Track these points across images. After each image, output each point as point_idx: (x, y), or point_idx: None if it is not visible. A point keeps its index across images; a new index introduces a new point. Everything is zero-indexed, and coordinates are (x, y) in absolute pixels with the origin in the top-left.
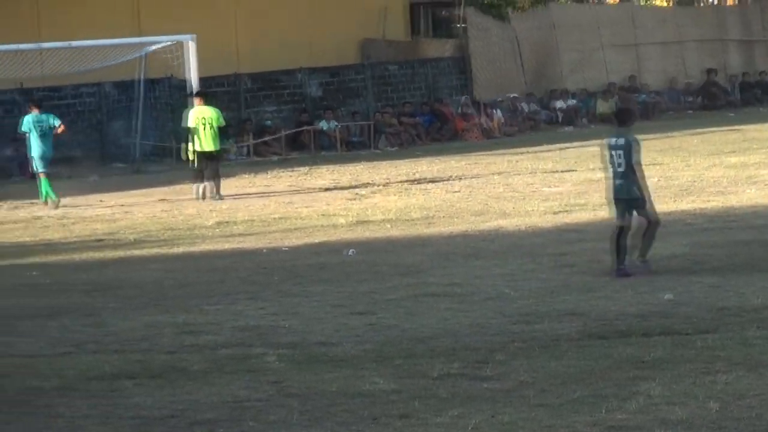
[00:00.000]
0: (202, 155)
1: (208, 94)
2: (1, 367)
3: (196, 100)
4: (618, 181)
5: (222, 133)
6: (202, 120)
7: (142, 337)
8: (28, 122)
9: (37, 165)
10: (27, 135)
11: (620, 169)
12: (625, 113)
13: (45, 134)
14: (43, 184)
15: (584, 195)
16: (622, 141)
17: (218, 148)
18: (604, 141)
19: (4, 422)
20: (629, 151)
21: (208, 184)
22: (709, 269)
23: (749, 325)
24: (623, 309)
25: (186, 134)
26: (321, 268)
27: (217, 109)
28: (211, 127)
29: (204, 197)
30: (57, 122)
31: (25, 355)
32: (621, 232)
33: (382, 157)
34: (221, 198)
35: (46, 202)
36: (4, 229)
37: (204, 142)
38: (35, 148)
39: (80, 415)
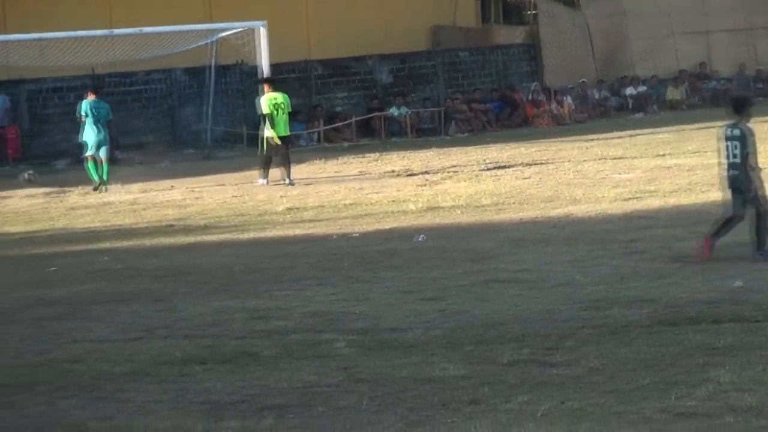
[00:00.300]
0: (273, 140)
1: (276, 80)
2: (74, 352)
3: (265, 87)
4: (732, 172)
5: (290, 118)
6: (275, 105)
7: (212, 322)
8: (85, 106)
9: (86, 148)
10: (83, 119)
11: (735, 160)
12: (741, 101)
13: (99, 120)
14: (90, 168)
15: (654, 181)
16: (738, 132)
17: (290, 133)
18: (720, 130)
19: (76, 407)
20: (744, 142)
21: (279, 170)
22: None
23: None
24: (693, 296)
25: (266, 121)
26: (391, 254)
27: (286, 95)
28: (284, 112)
29: (274, 181)
30: (110, 116)
31: (97, 340)
32: (759, 215)
33: (453, 143)
34: (292, 183)
35: (100, 185)
36: (76, 215)
37: (277, 127)
38: (88, 132)
39: (150, 400)
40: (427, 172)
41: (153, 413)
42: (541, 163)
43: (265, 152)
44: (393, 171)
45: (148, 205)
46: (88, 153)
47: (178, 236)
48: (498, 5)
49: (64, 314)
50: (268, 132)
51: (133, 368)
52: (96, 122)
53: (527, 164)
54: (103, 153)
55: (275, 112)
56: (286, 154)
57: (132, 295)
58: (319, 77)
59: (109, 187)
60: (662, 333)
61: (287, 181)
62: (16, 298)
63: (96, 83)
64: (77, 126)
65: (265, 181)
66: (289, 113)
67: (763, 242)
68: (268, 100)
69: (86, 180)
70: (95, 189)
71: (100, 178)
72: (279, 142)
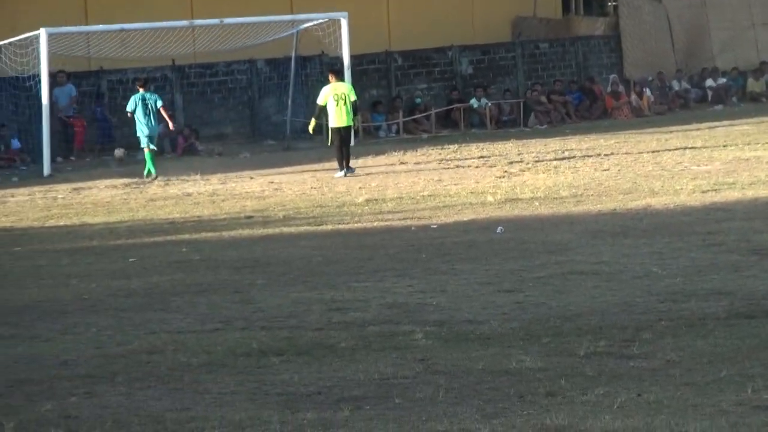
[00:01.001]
0: (337, 130)
1: (340, 71)
2: (152, 343)
3: (331, 77)
4: None
5: (352, 108)
6: (336, 96)
7: (289, 313)
8: (133, 101)
9: (142, 141)
10: (134, 113)
11: None
12: None
13: (149, 113)
14: (147, 159)
15: (733, 174)
16: None
17: (352, 123)
18: None
19: (153, 398)
20: None
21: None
22: None
23: None
24: None
25: (317, 111)
26: (469, 245)
27: (350, 85)
28: (346, 102)
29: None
30: (160, 102)
31: (175, 332)
32: None
33: (532, 135)
34: (352, 171)
35: (148, 177)
36: (155, 206)
37: (339, 117)
38: (140, 125)
39: (228, 392)
40: (506, 164)
41: (230, 404)
42: (620, 155)
43: (333, 143)
44: (472, 162)
45: (228, 197)
46: (143, 145)
47: (257, 228)
48: None
49: (143, 305)
50: (321, 121)
51: (211, 359)
52: (146, 114)
53: (606, 156)
54: (152, 143)
55: (335, 102)
56: (348, 142)
57: (210, 287)
58: (399, 68)
59: (152, 176)
60: (739, 326)
61: (345, 170)
62: (97, 288)
63: (143, 76)
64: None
65: (342, 173)
66: (353, 102)
67: None
68: (331, 90)
69: (165, 171)
70: (154, 179)
71: (155, 170)
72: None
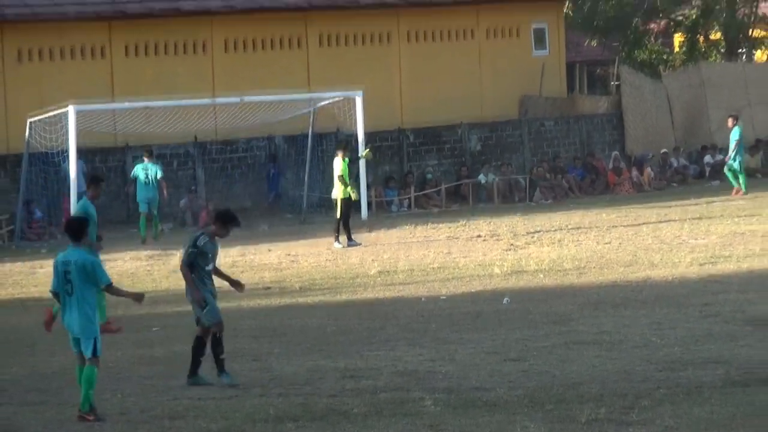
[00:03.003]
0: (347, 201)
1: (348, 144)
2: (174, 409)
3: (342, 152)
4: None
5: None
6: (346, 170)
7: (305, 381)
8: (136, 169)
9: (141, 206)
10: (134, 180)
11: None
12: None
13: (149, 181)
14: (141, 222)
15: (729, 247)
16: None
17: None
18: None
19: None
20: None
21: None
22: None
23: None
24: (765, 357)
25: (346, 180)
26: (477, 316)
27: (341, 159)
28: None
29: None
30: (160, 174)
31: (196, 398)
32: None
33: (537, 209)
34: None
35: (143, 241)
36: (178, 277)
37: (351, 188)
38: (139, 191)
39: None
40: (512, 237)
41: None
42: (622, 228)
43: (340, 215)
44: (480, 235)
45: (246, 268)
46: (140, 210)
47: (275, 298)
48: (583, 76)
49: (166, 373)
50: (343, 192)
51: (229, 425)
52: (146, 182)
53: (608, 229)
54: (153, 208)
55: (347, 174)
56: (340, 214)
57: (230, 354)
58: (411, 145)
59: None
60: (735, 394)
61: (349, 242)
62: (122, 356)
63: (150, 148)
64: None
65: (340, 244)
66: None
67: None
68: (344, 162)
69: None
70: (143, 242)
71: (155, 229)
72: (354, 198)
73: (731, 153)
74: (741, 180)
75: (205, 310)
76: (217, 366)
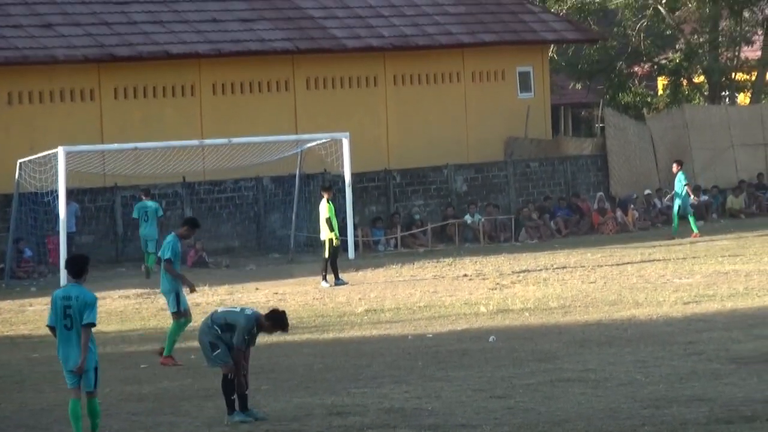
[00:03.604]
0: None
1: (332, 187)
2: None
3: (326, 193)
4: None
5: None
6: (333, 212)
7: (292, 417)
8: (136, 209)
9: (142, 243)
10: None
11: None
12: None
13: (148, 219)
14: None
15: (713, 286)
16: None
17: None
18: None
19: None
20: None
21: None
22: None
23: None
24: (749, 395)
25: (329, 224)
26: (463, 354)
27: (328, 203)
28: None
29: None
30: (160, 212)
31: None
32: None
33: (523, 249)
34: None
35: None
36: (166, 315)
37: (337, 230)
38: (141, 229)
39: None
40: (498, 276)
41: None
42: (606, 268)
43: (329, 255)
44: (466, 275)
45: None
46: (143, 247)
47: (262, 336)
48: (568, 118)
49: (154, 409)
50: (331, 234)
51: None
52: (145, 221)
53: (593, 269)
54: (152, 246)
55: (334, 217)
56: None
57: (217, 392)
58: (397, 186)
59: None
60: (718, 431)
61: (336, 281)
62: (110, 393)
63: (147, 187)
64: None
65: (327, 283)
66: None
67: None
68: (329, 205)
69: None
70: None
71: (148, 266)
72: (335, 244)
73: (677, 199)
74: (675, 223)
75: (215, 353)
76: (227, 406)
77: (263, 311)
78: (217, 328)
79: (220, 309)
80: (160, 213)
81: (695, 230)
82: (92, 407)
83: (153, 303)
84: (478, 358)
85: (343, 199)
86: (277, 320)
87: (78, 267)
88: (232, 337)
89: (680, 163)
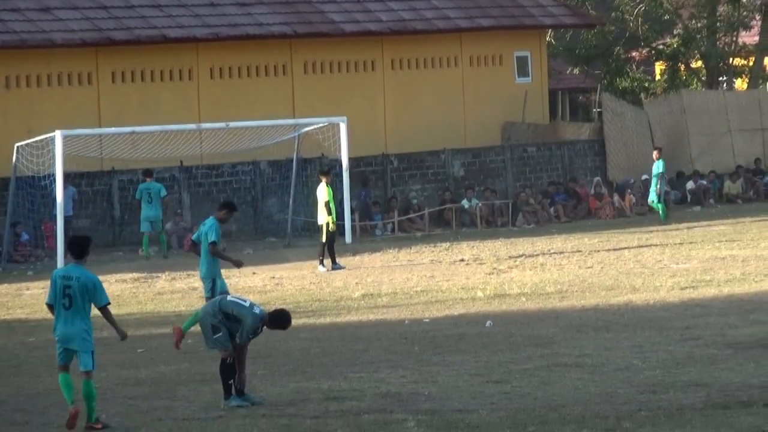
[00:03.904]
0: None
1: (326, 171)
2: (159, 430)
3: (326, 178)
4: None
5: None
6: (333, 195)
7: (289, 402)
8: (139, 190)
9: (142, 225)
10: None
11: None
12: None
13: (152, 200)
14: (144, 241)
15: (710, 272)
16: None
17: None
18: None
19: None
20: None
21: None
22: None
23: None
24: (745, 380)
25: (327, 208)
26: (460, 338)
27: (327, 186)
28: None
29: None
30: (164, 192)
31: (181, 419)
32: None
33: (520, 234)
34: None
35: (147, 258)
36: (163, 299)
37: (335, 214)
38: (143, 210)
39: None
40: (495, 261)
41: None
42: (603, 253)
43: (326, 240)
44: (463, 260)
45: (232, 291)
46: (143, 230)
47: None
48: (565, 103)
49: (151, 393)
50: (328, 218)
51: None
52: (148, 201)
53: (590, 254)
54: (157, 227)
55: (332, 200)
56: (325, 239)
57: (214, 376)
58: (395, 170)
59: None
60: (715, 416)
61: (333, 266)
62: (107, 377)
63: (150, 168)
64: (166, 215)
65: (324, 268)
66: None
67: None
68: (328, 188)
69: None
70: (147, 260)
71: (147, 252)
72: (331, 229)
73: (655, 186)
74: (660, 209)
75: (215, 336)
76: (224, 391)
77: (263, 306)
78: (222, 314)
79: (229, 297)
80: (164, 193)
81: (662, 217)
82: (88, 389)
83: (150, 287)
84: (474, 343)
85: (340, 184)
86: (279, 322)
87: (81, 247)
88: (234, 326)
89: (660, 150)
